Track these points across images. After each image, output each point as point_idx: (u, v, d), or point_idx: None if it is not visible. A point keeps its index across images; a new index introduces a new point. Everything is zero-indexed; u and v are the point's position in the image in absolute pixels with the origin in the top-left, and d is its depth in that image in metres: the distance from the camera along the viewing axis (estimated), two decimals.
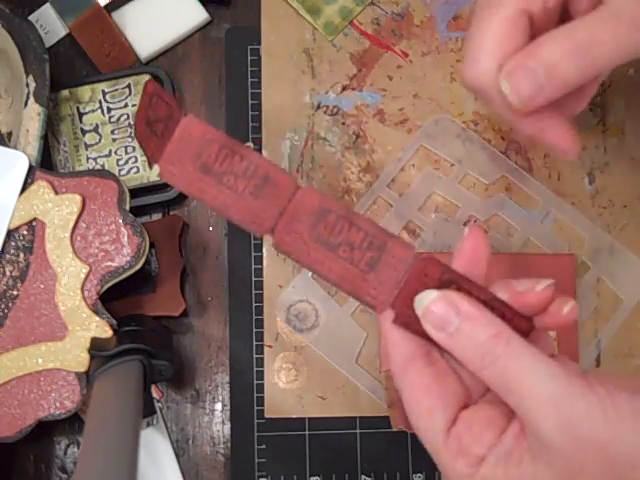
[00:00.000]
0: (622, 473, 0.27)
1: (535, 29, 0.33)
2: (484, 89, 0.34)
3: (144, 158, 0.49)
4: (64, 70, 0.52)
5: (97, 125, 0.50)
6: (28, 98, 0.45)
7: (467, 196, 0.49)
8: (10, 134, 0.48)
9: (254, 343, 0.49)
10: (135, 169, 0.49)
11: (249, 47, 0.51)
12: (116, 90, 0.50)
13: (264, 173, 0.32)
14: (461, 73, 0.34)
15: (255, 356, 0.49)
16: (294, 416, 0.48)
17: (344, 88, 0.51)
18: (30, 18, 0.51)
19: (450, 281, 0.31)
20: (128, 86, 0.50)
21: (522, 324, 0.31)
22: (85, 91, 0.50)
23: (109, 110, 0.50)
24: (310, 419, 0.48)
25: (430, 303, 0.30)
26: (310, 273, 0.49)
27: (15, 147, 0.45)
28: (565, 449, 0.27)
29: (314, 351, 0.48)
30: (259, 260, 0.49)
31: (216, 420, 0.50)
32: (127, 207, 0.44)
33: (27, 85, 0.45)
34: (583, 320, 0.48)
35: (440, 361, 0.32)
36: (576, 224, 0.49)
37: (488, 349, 0.29)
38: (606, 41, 0.31)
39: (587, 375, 0.28)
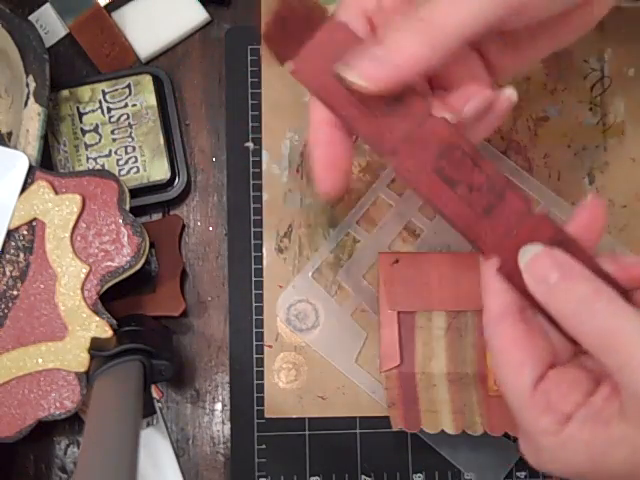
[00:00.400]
0: None
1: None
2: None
3: (144, 158, 0.49)
4: (64, 70, 0.52)
5: (97, 125, 0.50)
6: (28, 98, 0.45)
7: None
8: (10, 134, 0.48)
9: (254, 343, 0.49)
10: (135, 169, 0.49)
11: (249, 47, 0.51)
12: (116, 90, 0.50)
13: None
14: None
15: (255, 356, 0.49)
16: (294, 416, 0.48)
17: None
18: (30, 18, 0.51)
19: (560, 242, 0.31)
20: (128, 86, 0.50)
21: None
22: (85, 91, 0.50)
23: (109, 110, 0.50)
24: (310, 419, 0.48)
25: (534, 255, 0.30)
26: (310, 273, 0.49)
27: (15, 147, 0.45)
28: None
29: (314, 351, 0.48)
30: (259, 260, 0.49)
31: (216, 420, 0.50)
32: (127, 207, 0.44)
33: (27, 85, 0.45)
34: None
35: (532, 320, 0.32)
36: None
37: (588, 304, 0.29)
38: (450, 13, 0.30)
39: None
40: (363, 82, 0.30)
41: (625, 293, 0.31)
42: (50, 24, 0.52)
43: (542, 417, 0.30)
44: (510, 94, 0.33)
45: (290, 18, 0.33)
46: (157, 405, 0.49)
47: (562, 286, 0.30)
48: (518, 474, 0.48)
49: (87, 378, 0.43)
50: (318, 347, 0.48)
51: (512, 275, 0.31)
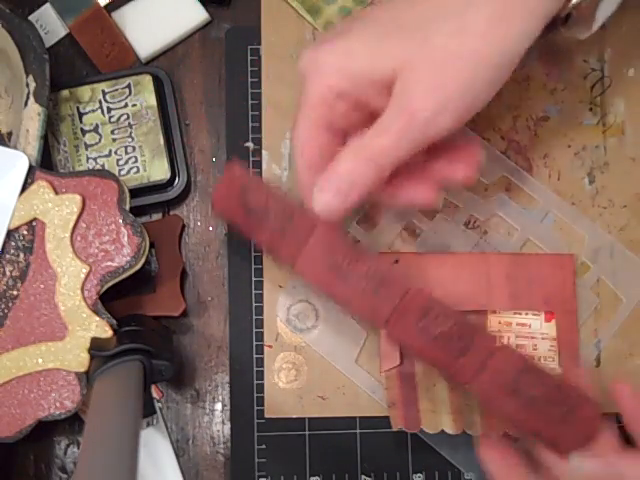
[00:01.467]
0: None
1: (346, 126, 0.39)
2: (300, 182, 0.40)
3: (144, 158, 0.49)
4: (64, 70, 0.52)
5: (97, 125, 0.50)
6: (28, 98, 0.45)
7: (467, 196, 0.49)
8: (10, 134, 0.48)
9: (254, 343, 0.49)
10: (135, 169, 0.49)
11: (249, 47, 0.51)
12: (116, 90, 0.50)
13: (381, 276, 0.39)
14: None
15: (255, 356, 0.49)
16: (294, 416, 0.48)
17: None
18: (30, 18, 0.51)
19: (527, 370, 0.39)
20: (128, 86, 0.50)
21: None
22: (85, 91, 0.50)
23: (109, 110, 0.50)
24: (310, 419, 0.48)
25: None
26: None
27: (15, 147, 0.45)
28: None
29: (314, 351, 0.49)
30: (259, 260, 0.49)
31: (216, 420, 0.50)
32: (127, 207, 0.44)
33: (27, 85, 0.45)
34: (583, 320, 0.48)
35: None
36: (576, 224, 0.49)
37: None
38: (387, 145, 0.36)
39: None
40: (328, 214, 0.38)
41: None
42: (50, 24, 0.52)
43: None
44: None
45: (252, 203, 0.40)
46: (157, 405, 0.49)
47: None
48: None
49: (87, 378, 0.43)
50: (318, 347, 0.48)
51: (489, 399, 0.39)
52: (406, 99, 0.35)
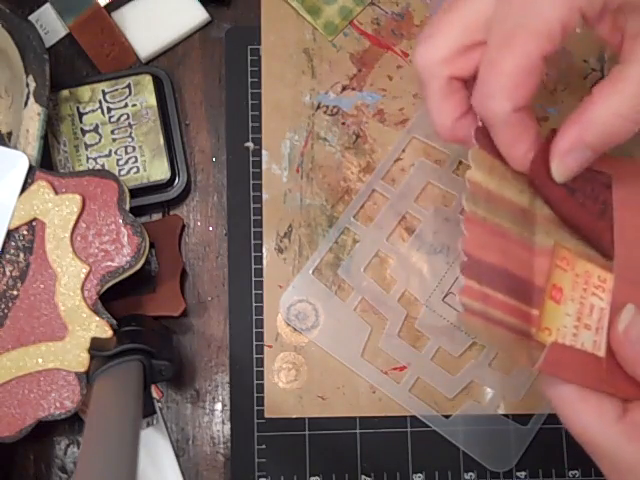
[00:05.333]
0: None
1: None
2: (492, 123, 0.34)
3: (144, 158, 0.49)
4: (64, 70, 0.52)
5: (97, 125, 0.50)
6: (28, 98, 0.45)
7: (463, 185, 0.49)
8: (10, 134, 0.48)
9: (254, 343, 0.49)
10: (135, 169, 0.49)
11: (249, 47, 0.51)
12: (116, 90, 0.50)
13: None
14: (474, 102, 0.34)
15: (255, 356, 0.49)
16: (294, 416, 0.48)
17: (344, 88, 0.51)
18: (30, 18, 0.51)
19: None
20: (128, 86, 0.50)
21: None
22: (85, 91, 0.50)
23: (109, 110, 0.50)
24: (310, 419, 0.48)
25: (629, 322, 0.32)
26: (310, 271, 0.49)
27: (15, 147, 0.45)
28: None
29: (314, 351, 0.49)
30: (259, 260, 0.49)
31: (216, 420, 0.50)
32: (127, 207, 0.44)
33: (27, 85, 0.45)
34: None
35: None
36: None
37: None
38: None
39: None
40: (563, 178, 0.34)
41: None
42: (50, 24, 0.52)
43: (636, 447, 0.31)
44: None
45: None
46: (157, 405, 0.49)
47: None
48: (518, 474, 0.48)
49: (87, 378, 0.43)
50: (322, 343, 0.48)
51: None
52: None
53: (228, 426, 0.49)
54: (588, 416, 0.32)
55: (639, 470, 0.31)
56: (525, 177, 0.35)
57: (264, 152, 0.50)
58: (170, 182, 0.50)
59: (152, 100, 0.50)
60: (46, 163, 0.48)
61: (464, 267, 0.32)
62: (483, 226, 0.33)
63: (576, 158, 0.33)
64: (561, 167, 0.33)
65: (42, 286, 0.44)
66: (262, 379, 0.49)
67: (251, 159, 0.50)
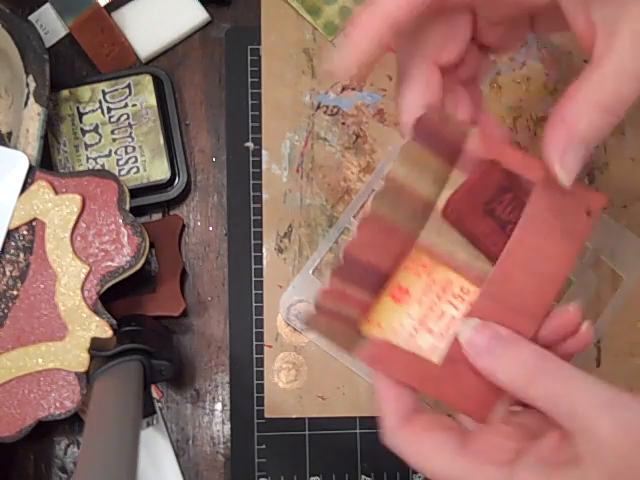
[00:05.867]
0: None
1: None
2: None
3: (144, 158, 0.49)
4: (64, 70, 0.52)
5: (97, 125, 0.50)
6: (28, 98, 0.45)
7: None
8: (10, 134, 0.48)
9: (254, 343, 0.49)
10: (135, 169, 0.49)
11: (249, 47, 0.51)
12: (116, 90, 0.50)
13: None
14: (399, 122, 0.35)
15: (255, 356, 0.49)
16: (294, 416, 0.48)
17: (344, 88, 0.51)
18: (30, 18, 0.51)
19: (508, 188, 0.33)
20: (128, 86, 0.50)
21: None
22: (85, 91, 0.50)
23: (109, 110, 0.50)
24: (310, 419, 0.48)
25: (473, 329, 0.32)
26: (310, 270, 0.49)
27: (15, 147, 0.45)
28: (620, 447, 0.28)
29: (314, 351, 0.49)
30: (259, 260, 0.49)
31: (216, 420, 0.50)
32: (127, 207, 0.44)
33: (27, 85, 0.45)
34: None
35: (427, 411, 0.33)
36: None
37: (536, 365, 0.30)
38: (626, 98, 0.31)
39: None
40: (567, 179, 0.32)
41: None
42: (50, 24, 0.52)
43: (488, 469, 0.30)
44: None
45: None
46: (157, 405, 0.49)
47: (506, 355, 0.31)
48: None
49: (87, 378, 0.43)
50: (323, 344, 0.48)
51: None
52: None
53: (228, 426, 0.49)
54: (433, 461, 0.31)
55: None
56: (447, 165, 0.34)
57: (264, 152, 0.50)
58: (170, 182, 0.50)
59: (152, 100, 0.50)
60: (46, 163, 0.48)
61: (336, 268, 0.32)
62: (378, 223, 0.33)
63: (576, 156, 0.32)
64: (564, 170, 0.32)
65: (42, 286, 0.44)
66: (262, 379, 0.49)
67: (251, 159, 0.50)
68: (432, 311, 0.34)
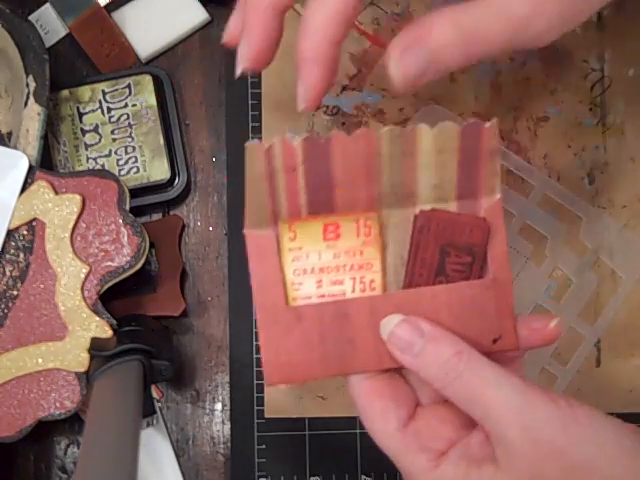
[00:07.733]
0: (578, 478, 0.29)
1: None
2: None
3: (144, 158, 0.49)
4: (64, 70, 0.52)
5: (97, 125, 0.50)
6: (28, 98, 0.45)
7: None
8: (10, 134, 0.48)
9: (254, 343, 0.49)
10: (135, 169, 0.49)
11: None
12: (116, 90, 0.50)
13: None
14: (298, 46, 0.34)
15: (255, 356, 0.49)
16: (294, 416, 0.48)
17: (344, 88, 0.51)
18: (30, 18, 0.51)
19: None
20: (128, 86, 0.50)
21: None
22: (85, 91, 0.50)
23: (109, 110, 0.50)
24: (310, 419, 0.48)
25: (395, 327, 0.32)
26: None
27: (15, 147, 0.45)
28: (527, 454, 0.29)
29: None
30: None
31: (216, 420, 0.50)
32: (127, 207, 0.44)
33: (27, 85, 0.45)
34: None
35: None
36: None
37: (452, 366, 0.30)
38: (492, 36, 0.30)
39: (549, 390, 0.30)
40: (402, 83, 0.32)
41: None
42: (50, 24, 0.52)
43: (417, 456, 0.31)
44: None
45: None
46: (157, 405, 0.49)
47: (426, 352, 0.31)
48: None
49: (87, 378, 0.43)
50: None
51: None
52: None
53: (228, 426, 0.49)
54: (374, 420, 0.32)
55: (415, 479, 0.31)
56: None
57: None
58: (170, 182, 0.50)
59: (152, 100, 0.50)
60: (46, 163, 0.48)
61: (310, 144, 0.31)
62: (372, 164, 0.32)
63: (417, 58, 0.31)
64: (400, 66, 0.31)
65: (42, 286, 0.44)
66: (262, 379, 0.49)
67: None
68: (337, 271, 0.33)
